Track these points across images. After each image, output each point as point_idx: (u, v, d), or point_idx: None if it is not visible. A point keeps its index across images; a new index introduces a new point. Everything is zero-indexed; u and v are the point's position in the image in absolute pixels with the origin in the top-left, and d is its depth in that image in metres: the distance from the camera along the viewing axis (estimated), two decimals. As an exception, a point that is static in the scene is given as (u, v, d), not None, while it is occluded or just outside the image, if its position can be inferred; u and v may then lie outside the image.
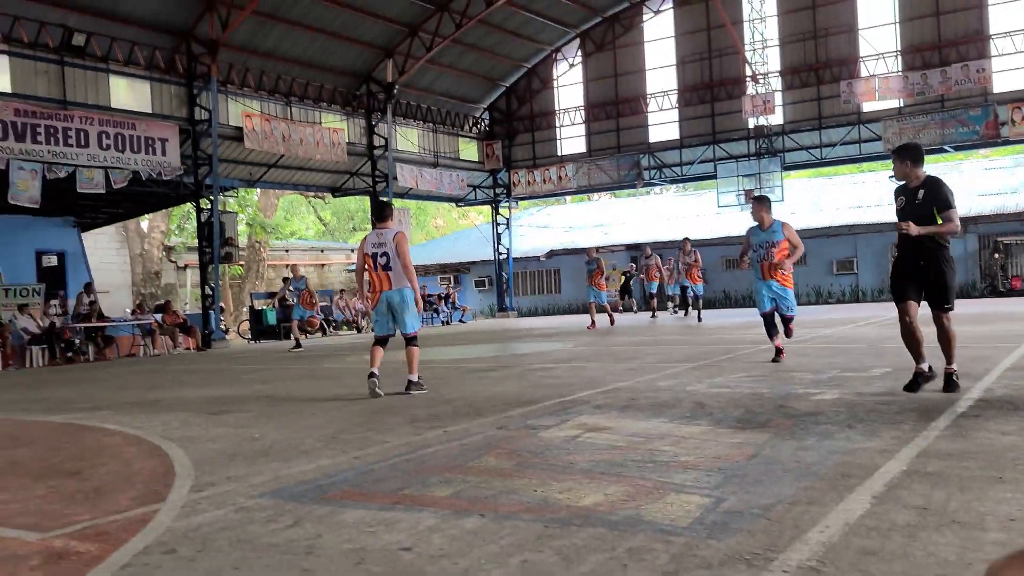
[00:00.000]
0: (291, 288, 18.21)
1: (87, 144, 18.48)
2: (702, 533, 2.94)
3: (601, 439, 4.91)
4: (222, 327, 22.52)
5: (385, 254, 7.76)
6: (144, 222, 35.52)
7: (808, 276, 28.37)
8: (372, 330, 8.71)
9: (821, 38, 26.91)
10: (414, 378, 7.84)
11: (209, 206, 21.71)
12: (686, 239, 20.09)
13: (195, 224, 24.37)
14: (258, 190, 35.29)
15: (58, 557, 3.13)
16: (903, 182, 6.13)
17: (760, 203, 8.78)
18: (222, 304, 23.96)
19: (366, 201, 29.12)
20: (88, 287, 20.15)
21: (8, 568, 3.01)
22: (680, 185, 33.25)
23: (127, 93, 20.36)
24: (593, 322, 18.32)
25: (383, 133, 27.16)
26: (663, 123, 29.94)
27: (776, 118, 27.41)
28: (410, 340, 7.94)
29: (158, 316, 20.97)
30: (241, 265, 35.41)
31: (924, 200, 5.92)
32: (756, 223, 8.80)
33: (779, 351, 8.79)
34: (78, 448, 5.88)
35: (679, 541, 2.86)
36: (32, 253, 23.33)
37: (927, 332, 6.07)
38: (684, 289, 20.31)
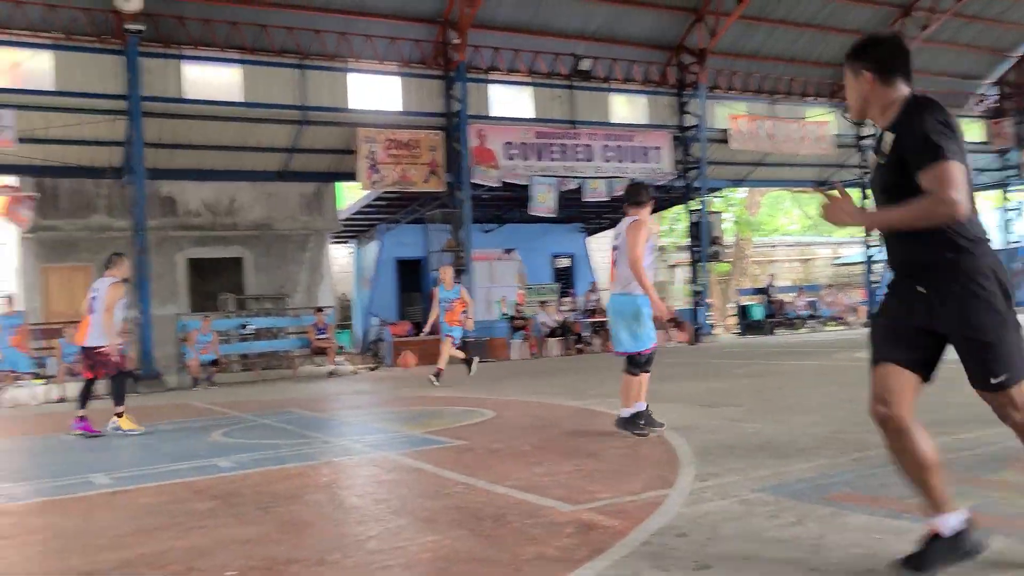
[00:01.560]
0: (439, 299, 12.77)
1: (592, 158, 20.66)
2: None
3: None
4: (709, 322, 23.25)
5: (617, 247, 6.18)
6: (638, 225, 38.13)
7: None
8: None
9: None
10: (625, 413, 6.11)
11: (698, 207, 22.65)
12: None
13: (684, 225, 25.58)
14: (743, 189, 35.66)
15: (587, 528, 3.58)
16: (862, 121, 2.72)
17: None
18: (710, 300, 24.71)
19: (855, 194, 27.62)
20: (593, 286, 22.41)
21: (549, 532, 3.55)
22: None
23: (625, 108, 22.22)
24: None
25: (874, 121, 25.57)
26: None
27: None
28: (628, 362, 6.18)
29: (652, 312, 22.45)
30: (728, 262, 36.12)
31: (894, 150, 2.73)
32: None
33: None
34: (594, 431, 6.64)
35: None
36: (548, 256, 26.72)
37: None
38: None
